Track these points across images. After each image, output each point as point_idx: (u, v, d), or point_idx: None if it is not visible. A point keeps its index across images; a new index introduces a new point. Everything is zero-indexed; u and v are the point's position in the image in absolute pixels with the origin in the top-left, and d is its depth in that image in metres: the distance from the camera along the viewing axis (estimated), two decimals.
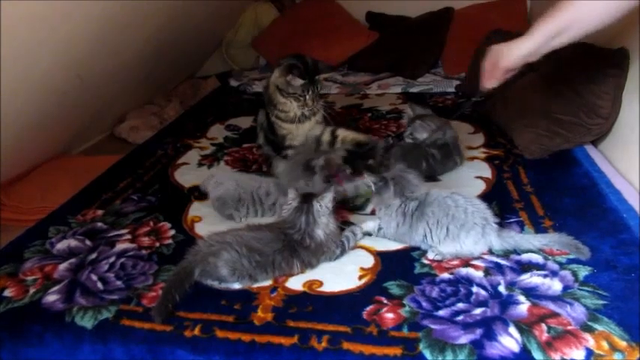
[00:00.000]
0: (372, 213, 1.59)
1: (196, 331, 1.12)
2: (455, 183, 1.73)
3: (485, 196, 1.62)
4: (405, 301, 1.17)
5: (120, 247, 1.47)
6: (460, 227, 1.29)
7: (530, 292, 1.17)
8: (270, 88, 1.76)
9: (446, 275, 1.25)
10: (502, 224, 1.38)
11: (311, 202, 1.31)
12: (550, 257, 1.29)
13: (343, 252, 1.37)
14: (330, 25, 3.20)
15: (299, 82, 1.67)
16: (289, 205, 1.33)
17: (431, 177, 1.72)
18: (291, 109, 1.73)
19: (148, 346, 1.11)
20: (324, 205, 1.31)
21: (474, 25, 2.94)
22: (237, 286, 1.26)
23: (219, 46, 3.51)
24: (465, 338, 1.05)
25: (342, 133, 1.84)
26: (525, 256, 1.30)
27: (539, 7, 2.92)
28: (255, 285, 1.27)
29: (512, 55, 1.36)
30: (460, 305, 1.15)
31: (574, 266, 1.25)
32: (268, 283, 1.28)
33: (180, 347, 1.10)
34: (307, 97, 1.70)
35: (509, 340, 1.03)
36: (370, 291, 1.22)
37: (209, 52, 3.53)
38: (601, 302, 1.12)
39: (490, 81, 1.45)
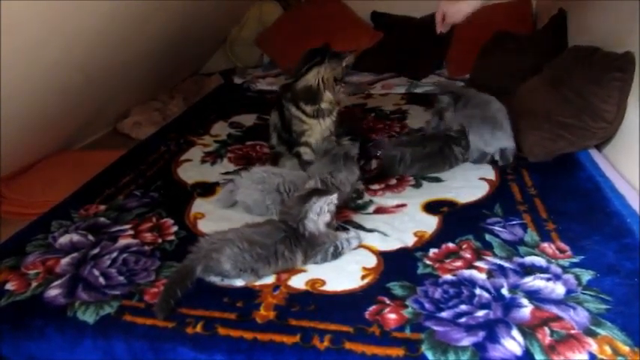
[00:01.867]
0: (375, 212, 1.59)
1: (198, 328, 1.12)
2: (459, 184, 1.73)
3: (488, 198, 1.63)
4: (407, 302, 1.17)
5: (122, 242, 1.46)
6: None
7: (534, 295, 1.17)
8: (311, 84, 1.74)
9: (449, 277, 1.25)
10: None
11: (311, 197, 1.33)
12: (553, 260, 1.29)
13: (335, 255, 1.35)
14: (335, 24, 3.19)
15: (351, 56, 1.83)
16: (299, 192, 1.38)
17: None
18: (332, 99, 1.77)
19: (150, 342, 1.11)
20: (318, 204, 1.32)
21: (478, 26, 2.92)
22: (239, 283, 1.26)
23: (223, 43, 3.51)
24: (467, 340, 1.05)
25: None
26: (528, 259, 1.30)
27: (544, 8, 2.92)
28: (258, 282, 1.27)
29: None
30: (463, 307, 1.14)
31: (577, 270, 1.24)
32: (271, 280, 1.28)
33: (182, 344, 1.10)
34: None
35: (512, 343, 1.03)
36: (373, 291, 1.22)
37: (213, 50, 3.52)
38: (604, 307, 1.12)
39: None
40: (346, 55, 1.78)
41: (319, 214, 1.33)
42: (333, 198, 1.35)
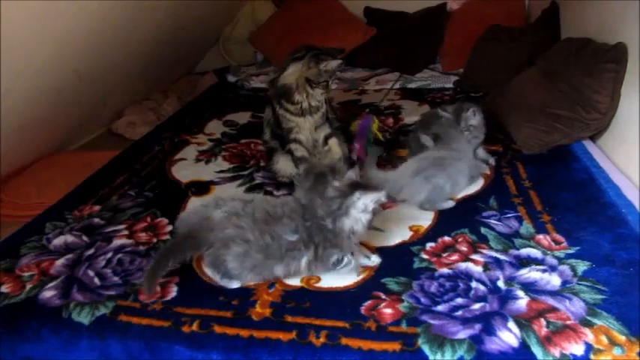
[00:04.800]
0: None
1: (194, 327, 1.12)
2: None
3: (483, 191, 1.63)
4: (403, 297, 1.17)
5: (117, 242, 1.46)
6: None
7: (529, 287, 1.17)
8: (288, 82, 1.71)
9: (445, 270, 1.25)
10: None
11: (354, 191, 1.18)
12: (549, 252, 1.29)
13: (337, 264, 1.24)
14: (328, 20, 3.19)
15: (336, 62, 1.65)
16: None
17: None
18: (312, 99, 1.71)
19: (146, 342, 1.11)
20: (362, 201, 1.18)
21: (471, 20, 2.93)
22: (234, 285, 1.24)
23: (216, 41, 3.50)
24: (463, 333, 1.04)
25: (333, 143, 1.83)
26: (524, 251, 1.30)
27: (537, 2, 2.92)
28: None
29: None
30: (459, 300, 1.14)
31: (572, 261, 1.24)
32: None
33: (178, 343, 1.09)
34: (330, 81, 1.69)
35: (509, 335, 1.03)
36: (368, 287, 1.22)
37: (207, 48, 3.52)
38: (600, 297, 1.12)
39: None
40: (328, 59, 1.63)
41: (364, 211, 1.19)
42: (382, 195, 1.18)
